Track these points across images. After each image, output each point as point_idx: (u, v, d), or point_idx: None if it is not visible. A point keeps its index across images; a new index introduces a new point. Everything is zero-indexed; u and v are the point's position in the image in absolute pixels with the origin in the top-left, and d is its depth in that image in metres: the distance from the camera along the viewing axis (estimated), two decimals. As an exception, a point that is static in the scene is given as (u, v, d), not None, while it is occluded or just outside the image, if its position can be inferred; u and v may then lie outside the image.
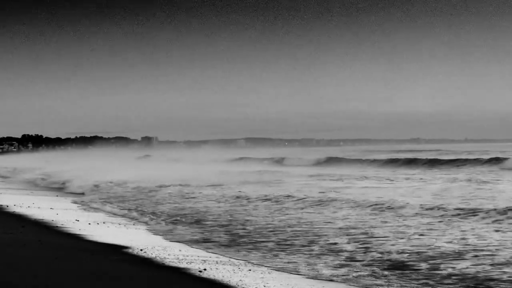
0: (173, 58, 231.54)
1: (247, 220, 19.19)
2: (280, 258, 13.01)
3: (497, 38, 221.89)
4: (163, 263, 12.20)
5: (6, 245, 13.51)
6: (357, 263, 12.16)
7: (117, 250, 13.73)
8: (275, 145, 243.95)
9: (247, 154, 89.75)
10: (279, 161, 73.32)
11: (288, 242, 14.88)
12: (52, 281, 9.97)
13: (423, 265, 11.71)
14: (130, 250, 13.71)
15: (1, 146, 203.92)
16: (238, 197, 26.36)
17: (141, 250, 13.66)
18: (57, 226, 17.90)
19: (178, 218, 20.38)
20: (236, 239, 15.71)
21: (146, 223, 19.69)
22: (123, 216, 21.70)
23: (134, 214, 22.07)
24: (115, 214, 22.33)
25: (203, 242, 15.39)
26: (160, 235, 16.78)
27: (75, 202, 26.79)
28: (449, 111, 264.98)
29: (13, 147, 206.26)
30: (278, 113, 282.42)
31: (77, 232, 16.69)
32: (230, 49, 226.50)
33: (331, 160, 67.44)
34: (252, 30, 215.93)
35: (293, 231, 16.67)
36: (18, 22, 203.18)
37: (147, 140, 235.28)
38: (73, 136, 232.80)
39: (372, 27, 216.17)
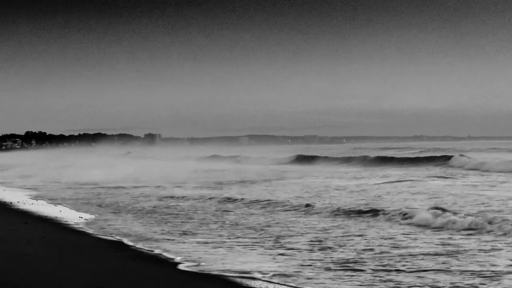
0: (176, 56, 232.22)
1: (191, 218, 19.79)
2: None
3: (501, 35, 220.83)
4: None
5: (11, 242, 13.74)
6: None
7: (121, 246, 14.06)
8: (279, 142, 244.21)
9: (218, 152, 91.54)
10: (245, 159, 74.37)
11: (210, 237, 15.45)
12: (56, 277, 10.08)
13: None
14: (133, 246, 14.09)
15: (4, 143, 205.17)
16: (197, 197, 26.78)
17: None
18: (60, 223, 18.35)
19: (127, 213, 21.14)
20: (172, 231, 16.58)
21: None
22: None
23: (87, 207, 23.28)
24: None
25: (129, 235, 15.93)
26: (92, 228, 17.36)
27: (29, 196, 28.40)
28: (452, 108, 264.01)
29: (16, 144, 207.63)
30: (281, 111, 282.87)
31: (79, 228, 17.20)
32: (234, 47, 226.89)
33: (299, 159, 69.19)
34: (255, 27, 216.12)
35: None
36: (21, 21, 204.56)
37: (150, 137, 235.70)
38: (76, 133, 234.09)
39: (376, 24, 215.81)
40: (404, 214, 18.07)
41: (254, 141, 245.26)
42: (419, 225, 16.55)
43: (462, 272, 10.96)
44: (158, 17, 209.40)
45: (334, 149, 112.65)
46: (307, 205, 21.41)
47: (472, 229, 15.27)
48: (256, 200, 23.90)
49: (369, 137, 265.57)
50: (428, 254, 12.63)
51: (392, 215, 18.25)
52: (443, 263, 11.76)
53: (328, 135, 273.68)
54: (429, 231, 15.73)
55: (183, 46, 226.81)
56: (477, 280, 10.34)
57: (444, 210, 17.70)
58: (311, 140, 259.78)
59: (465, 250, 12.94)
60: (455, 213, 17.03)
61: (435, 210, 17.63)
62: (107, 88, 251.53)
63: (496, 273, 10.80)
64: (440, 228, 15.88)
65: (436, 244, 13.69)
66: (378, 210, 19.23)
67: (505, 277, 10.55)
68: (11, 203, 24.39)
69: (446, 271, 11.03)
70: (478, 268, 11.18)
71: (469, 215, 16.80)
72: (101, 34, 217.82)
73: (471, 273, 10.84)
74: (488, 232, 14.90)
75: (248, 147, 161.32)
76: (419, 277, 10.69)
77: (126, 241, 14.92)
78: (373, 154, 67.17)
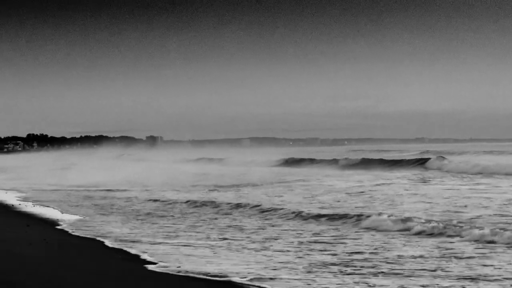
0: (178, 58, 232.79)
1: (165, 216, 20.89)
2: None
3: (503, 37, 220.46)
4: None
5: (13, 244, 14.15)
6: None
7: (120, 250, 14.41)
8: (280, 144, 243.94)
9: (208, 155, 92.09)
10: (230, 162, 74.65)
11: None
12: (56, 279, 10.36)
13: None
14: (132, 251, 14.35)
15: (6, 146, 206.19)
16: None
17: (143, 252, 14.32)
18: (60, 225, 18.78)
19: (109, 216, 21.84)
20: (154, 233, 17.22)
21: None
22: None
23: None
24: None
25: (120, 237, 16.45)
26: (88, 230, 17.90)
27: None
28: (454, 110, 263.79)
29: (18, 147, 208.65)
30: (284, 113, 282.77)
31: (71, 229, 17.67)
32: (236, 49, 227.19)
33: (287, 162, 69.68)
34: (257, 29, 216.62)
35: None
36: (23, 22, 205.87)
37: (152, 140, 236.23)
38: (78, 136, 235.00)
39: (378, 26, 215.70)
40: (358, 219, 18.10)
41: (256, 143, 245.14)
42: (369, 229, 16.69)
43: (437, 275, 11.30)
44: (159, 18, 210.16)
45: (329, 152, 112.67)
46: (275, 209, 21.67)
47: (431, 234, 15.39)
48: (240, 204, 24.05)
49: (371, 139, 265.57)
50: (401, 257, 12.98)
51: (348, 219, 18.34)
52: (424, 264, 12.19)
53: (330, 137, 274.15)
54: (383, 235, 15.91)
55: (185, 48, 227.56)
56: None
57: (398, 215, 17.77)
58: (313, 142, 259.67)
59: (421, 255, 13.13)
60: (407, 218, 17.06)
61: (389, 215, 17.78)
62: (109, 91, 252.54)
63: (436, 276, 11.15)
64: (395, 232, 15.99)
65: (406, 248, 13.95)
66: (335, 215, 19.36)
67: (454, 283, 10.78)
68: (12, 205, 25.07)
69: (431, 275, 11.32)
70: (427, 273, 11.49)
71: (419, 218, 17.00)
72: (102, 36, 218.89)
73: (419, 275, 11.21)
74: (444, 236, 15.06)
75: (248, 149, 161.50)
76: (396, 278, 10.99)
77: (117, 242, 15.29)
78: (365, 156, 67.33)
